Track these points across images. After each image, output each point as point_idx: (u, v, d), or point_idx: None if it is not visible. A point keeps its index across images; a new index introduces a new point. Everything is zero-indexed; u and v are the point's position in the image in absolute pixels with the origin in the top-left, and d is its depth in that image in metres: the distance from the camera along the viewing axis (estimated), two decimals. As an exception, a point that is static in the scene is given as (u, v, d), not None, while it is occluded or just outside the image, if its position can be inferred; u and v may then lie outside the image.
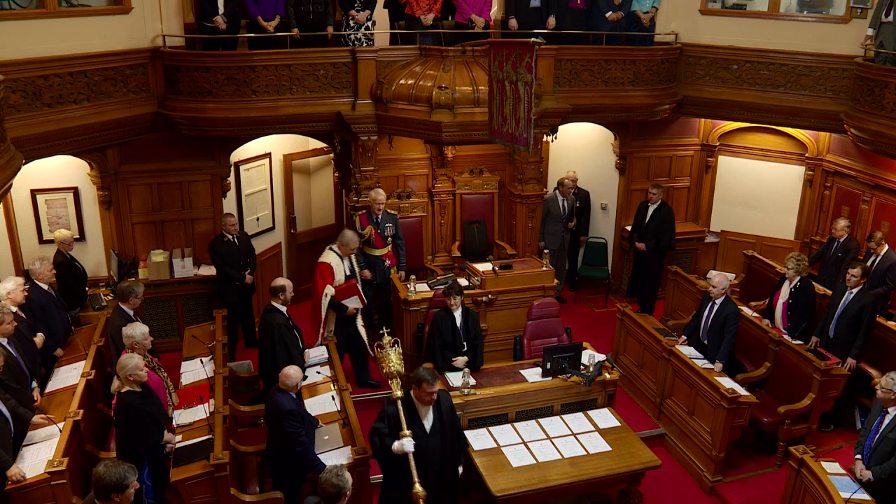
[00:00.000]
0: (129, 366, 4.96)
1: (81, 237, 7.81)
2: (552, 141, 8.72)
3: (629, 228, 9.23)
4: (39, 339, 6.16)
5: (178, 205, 8.13)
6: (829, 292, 7.20)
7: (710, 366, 6.55)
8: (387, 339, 5.27)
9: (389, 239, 7.88)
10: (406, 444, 4.69)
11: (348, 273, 7.11)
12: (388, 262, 7.89)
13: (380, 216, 7.77)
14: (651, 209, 8.75)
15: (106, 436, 5.98)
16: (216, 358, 6.48)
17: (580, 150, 9.70)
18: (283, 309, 6.39)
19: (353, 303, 6.93)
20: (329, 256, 7.04)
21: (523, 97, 5.94)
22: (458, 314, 6.58)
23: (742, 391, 6.19)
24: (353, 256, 7.21)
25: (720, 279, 6.79)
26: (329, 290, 6.87)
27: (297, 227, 9.34)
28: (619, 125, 9.28)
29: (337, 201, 9.57)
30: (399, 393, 4.88)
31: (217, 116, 7.41)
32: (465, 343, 6.59)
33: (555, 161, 9.81)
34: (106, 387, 6.28)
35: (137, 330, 5.57)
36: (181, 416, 5.72)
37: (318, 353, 6.78)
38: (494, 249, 8.98)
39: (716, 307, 6.78)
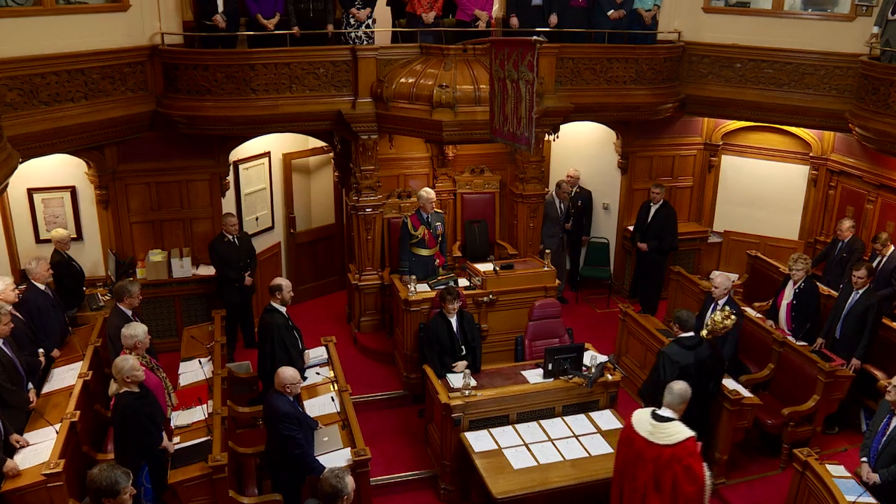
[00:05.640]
0: (125, 368, 4.93)
1: (79, 237, 7.79)
2: (554, 140, 8.69)
3: (631, 228, 9.20)
4: (41, 356, 6.15)
5: (176, 204, 8.11)
6: (834, 293, 7.17)
7: (714, 367, 6.51)
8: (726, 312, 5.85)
9: (440, 238, 7.86)
10: None
11: None
12: (437, 262, 7.90)
13: (430, 215, 7.74)
14: (653, 209, 8.74)
15: (103, 437, 5.96)
16: (215, 359, 6.47)
17: (582, 149, 9.68)
18: (283, 309, 6.36)
19: None
20: None
21: (525, 96, 5.91)
22: (453, 319, 6.56)
23: (745, 393, 6.18)
24: None
25: (723, 280, 6.76)
26: None
27: (296, 227, 9.31)
28: (622, 124, 9.25)
29: (337, 201, 9.55)
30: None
31: (216, 115, 7.38)
32: (462, 347, 6.57)
33: (556, 160, 9.79)
34: (103, 388, 6.24)
35: (140, 329, 5.55)
36: (179, 418, 5.69)
37: (317, 353, 6.75)
38: (495, 249, 8.94)
39: (718, 308, 6.72)
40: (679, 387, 4.74)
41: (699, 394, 5.16)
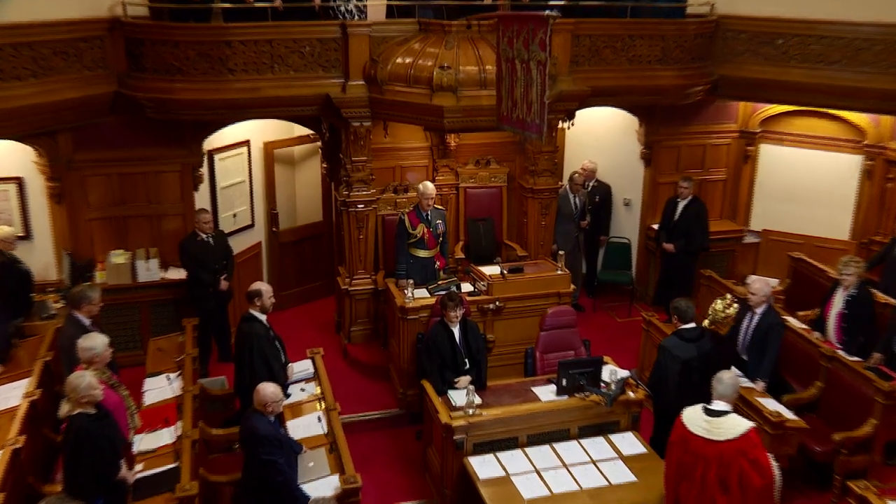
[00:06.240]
0: (80, 386, 4.83)
1: (27, 235, 7.73)
2: (568, 128, 8.64)
3: (656, 227, 9.22)
4: None
5: (142, 198, 8.07)
6: (892, 301, 7.08)
7: (751, 385, 6.41)
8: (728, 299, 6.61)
9: (440, 238, 7.92)
10: None
11: None
12: (437, 264, 7.94)
13: (429, 212, 7.75)
14: (681, 205, 8.75)
15: (52, 466, 5.88)
16: (185, 374, 6.40)
17: (600, 138, 9.68)
18: (263, 317, 6.36)
19: None
20: None
21: (536, 78, 5.86)
22: (455, 328, 6.57)
23: (789, 415, 6.07)
24: None
25: (761, 285, 6.65)
26: None
27: (279, 225, 9.30)
28: (645, 110, 9.24)
29: (325, 196, 9.55)
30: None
31: (188, 98, 7.32)
32: (466, 360, 6.55)
33: (571, 151, 9.77)
34: (53, 408, 6.17)
35: (98, 341, 5.47)
36: (143, 442, 5.66)
37: (302, 367, 6.72)
38: (503, 250, 8.95)
39: (756, 317, 6.62)
40: (728, 376, 4.90)
41: (706, 392, 5.17)
